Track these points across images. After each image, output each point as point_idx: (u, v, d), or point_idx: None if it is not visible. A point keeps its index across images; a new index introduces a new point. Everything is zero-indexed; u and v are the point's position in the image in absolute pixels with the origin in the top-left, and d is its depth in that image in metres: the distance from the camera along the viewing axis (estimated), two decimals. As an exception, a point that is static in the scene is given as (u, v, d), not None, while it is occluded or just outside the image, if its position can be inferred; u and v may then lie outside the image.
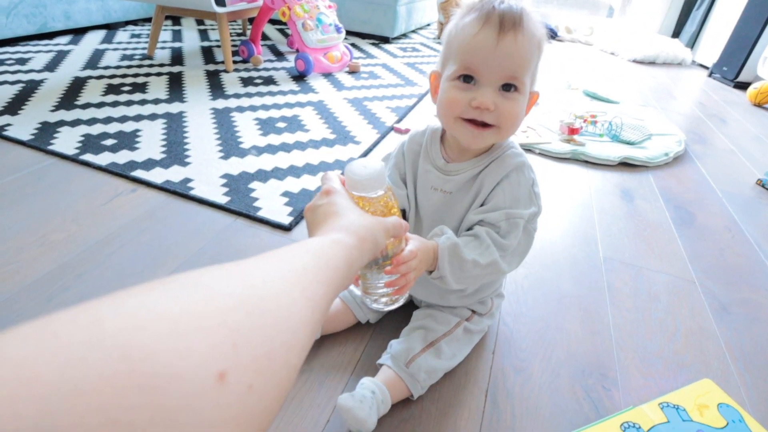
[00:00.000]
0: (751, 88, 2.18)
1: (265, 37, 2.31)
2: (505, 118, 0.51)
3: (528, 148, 1.35)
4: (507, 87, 0.51)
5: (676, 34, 3.21)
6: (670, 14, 3.18)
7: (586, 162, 1.33)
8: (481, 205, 0.58)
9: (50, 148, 1.08)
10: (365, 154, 1.20)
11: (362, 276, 0.51)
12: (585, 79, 2.18)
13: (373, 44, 2.40)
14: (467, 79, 0.51)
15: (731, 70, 2.45)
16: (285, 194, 0.97)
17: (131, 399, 0.15)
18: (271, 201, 0.94)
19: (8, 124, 1.17)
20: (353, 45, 2.32)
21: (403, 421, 0.57)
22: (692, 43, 3.02)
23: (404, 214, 0.65)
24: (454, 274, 0.53)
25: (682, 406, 0.60)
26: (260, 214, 0.90)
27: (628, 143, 1.42)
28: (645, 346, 0.71)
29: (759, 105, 2.15)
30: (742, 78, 2.41)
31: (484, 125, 0.52)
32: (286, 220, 0.89)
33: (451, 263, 0.53)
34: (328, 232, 0.35)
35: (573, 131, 1.39)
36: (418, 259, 0.48)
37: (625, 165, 1.33)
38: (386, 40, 2.50)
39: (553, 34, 3.18)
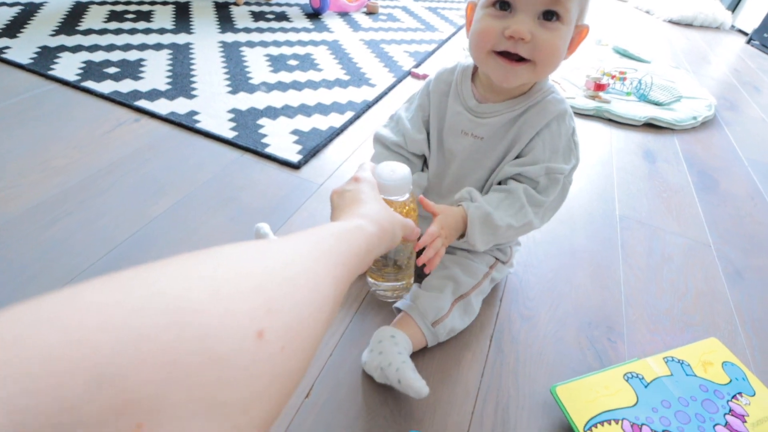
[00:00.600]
0: (790, 55, 2.04)
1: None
2: (543, 51, 0.46)
3: (549, 103, 1.28)
4: (548, 15, 0.45)
5: (717, -7, 2.99)
6: (714, -29, 2.94)
7: (610, 120, 1.26)
8: (517, 156, 0.54)
9: (50, 73, 1.03)
10: (380, 98, 1.15)
11: (374, 271, 0.53)
12: (616, 36, 2.05)
13: (391, -15, 2.25)
14: (503, 5, 0.46)
15: (772, 36, 2.29)
16: (295, 132, 0.94)
17: (186, 345, 0.17)
18: (279, 138, 0.91)
19: (7, 47, 1.12)
20: (370, -15, 2.18)
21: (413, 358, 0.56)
22: (734, 6, 2.81)
23: (425, 161, 0.63)
24: (484, 241, 0.52)
25: (686, 362, 0.59)
26: (268, 150, 0.87)
27: (656, 104, 1.35)
28: (654, 304, 0.70)
29: (797, 74, 2.03)
30: (782, 45, 2.26)
31: (519, 59, 0.47)
32: (295, 158, 0.86)
33: (482, 232, 0.51)
34: (352, 218, 0.36)
35: (599, 87, 1.32)
36: (442, 237, 0.48)
37: (650, 126, 1.27)
38: (406, -19, 2.34)
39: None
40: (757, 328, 0.69)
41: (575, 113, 1.27)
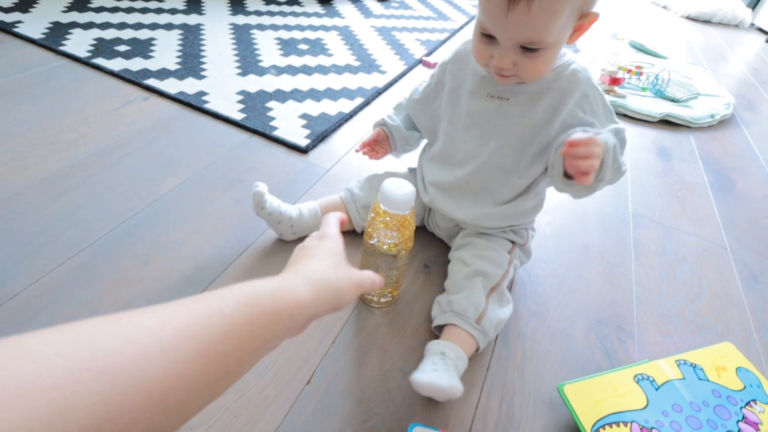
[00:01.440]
0: (814, 57, 1.98)
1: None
2: (527, 73, 0.50)
3: (564, 97, 1.26)
4: (528, 46, 0.47)
5: (739, -9, 2.91)
6: (737, -32, 2.86)
7: (625, 116, 1.23)
8: (562, 128, 0.53)
9: (62, 48, 1.02)
10: (390, 85, 1.12)
11: (361, 265, 0.55)
12: (633, 30, 2.00)
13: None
14: (488, 35, 0.48)
15: (795, 36, 2.23)
16: (303, 116, 0.92)
17: None
18: (288, 121, 0.90)
19: (19, 21, 1.11)
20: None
21: (410, 348, 0.55)
22: (754, 4, 2.74)
23: (436, 131, 0.63)
24: (614, 174, 0.51)
25: (699, 365, 0.57)
26: (276, 133, 0.86)
27: (673, 100, 1.31)
28: (666, 305, 0.68)
29: (819, 77, 1.97)
30: (805, 46, 2.19)
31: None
32: (303, 143, 0.84)
33: (614, 163, 0.49)
34: (290, 276, 0.33)
35: (615, 81, 1.29)
36: (599, 146, 0.46)
37: (666, 123, 1.24)
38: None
39: (603, -19, 2.91)
40: (772, 334, 0.67)
41: (590, 108, 1.25)
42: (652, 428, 0.49)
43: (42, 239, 0.61)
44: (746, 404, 0.54)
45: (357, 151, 0.67)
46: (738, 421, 0.52)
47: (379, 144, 0.67)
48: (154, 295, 0.56)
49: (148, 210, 0.68)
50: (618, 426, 0.49)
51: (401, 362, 0.54)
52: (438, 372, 0.46)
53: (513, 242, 0.62)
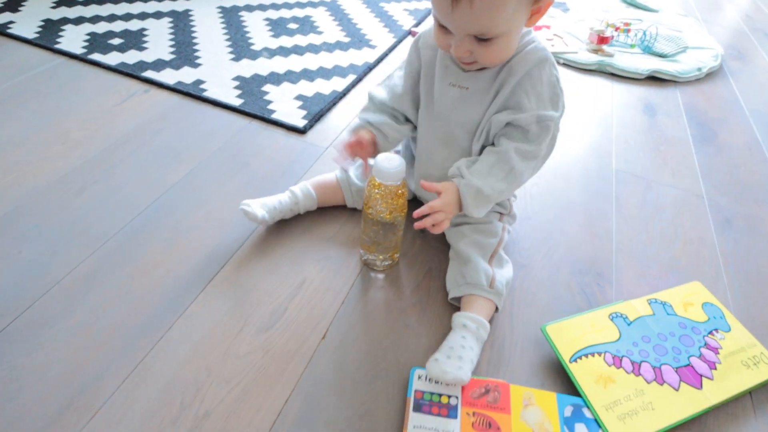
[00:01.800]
0: (807, -3, 1.96)
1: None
2: (486, 59, 0.53)
3: (551, 58, 1.28)
4: (480, 38, 0.50)
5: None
6: None
7: (613, 74, 1.26)
8: (504, 107, 0.57)
9: (57, 47, 1.05)
10: (381, 59, 1.15)
11: (366, 243, 0.61)
12: (622, -17, 1.97)
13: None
14: (443, 26, 0.51)
15: (790, -25, 2.18)
16: (299, 98, 0.96)
17: None
18: (285, 104, 0.94)
19: (11, 21, 1.13)
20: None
21: (411, 305, 0.62)
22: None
23: (416, 114, 0.66)
24: (480, 210, 0.57)
25: (669, 303, 0.64)
26: (275, 116, 0.90)
27: (661, 55, 1.33)
28: (643, 251, 0.74)
29: (812, 17, 1.95)
30: (800, -15, 2.15)
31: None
32: (301, 123, 0.89)
33: (477, 204, 0.56)
34: None
35: (603, 40, 1.30)
36: (445, 211, 0.55)
37: (654, 79, 1.26)
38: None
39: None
40: (739, 272, 0.73)
41: (577, 68, 1.27)
42: (622, 356, 0.57)
43: (74, 230, 0.67)
44: (709, 333, 0.61)
45: (335, 159, 0.64)
46: (700, 347, 0.59)
47: (362, 147, 0.62)
48: (183, 272, 0.63)
49: (162, 199, 0.74)
50: (593, 356, 0.57)
51: (405, 316, 0.61)
52: (451, 360, 0.51)
53: (500, 213, 0.68)
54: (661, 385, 0.54)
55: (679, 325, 0.62)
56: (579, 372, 0.55)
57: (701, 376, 0.56)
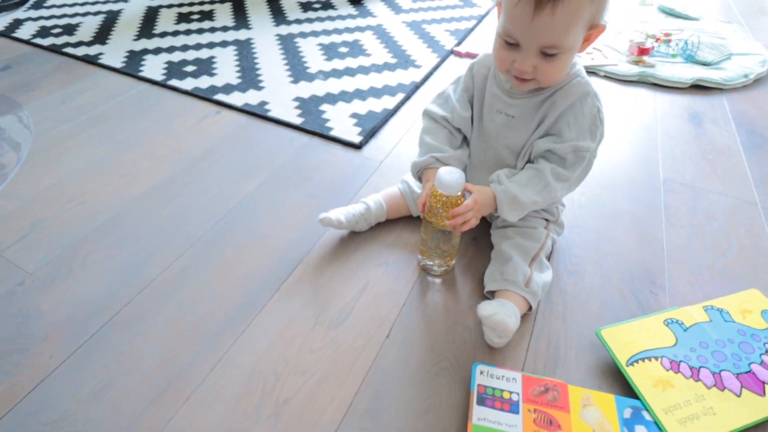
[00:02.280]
0: None
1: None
2: (545, 77, 0.56)
3: (592, 71, 1.30)
4: (548, 51, 0.53)
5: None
6: None
7: (655, 85, 1.27)
8: (546, 134, 0.61)
9: (141, 74, 1.19)
10: (426, 78, 1.22)
11: (426, 249, 0.66)
12: (663, -6, 1.97)
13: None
14: (510, 42, 0.55)
15: None
16: (353, 116, 1.04)
17: None
18: (341, 122, 1.02)
19: (101, 53, 1.29)
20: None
21: (468, 307, 0.67)
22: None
23: (465, 138, 0.72)
24: (514, 215, 0.61)
25: (726, 310, 0.64)
26: (333, 133, 0.98)
27: (705, 64, 1.33)
28: (695, 259, 0.75)
29: None
30: None
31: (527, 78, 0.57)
32: (357, 139, 0.96)
33: (511, 209, 0.61)
34: None
35: (643, 51, 1.31)
36: (474, 210, 0.60)
37: (698, 88, 1.26)
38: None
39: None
40: (798, 279, 0.73)
41: (618, 80, 1.29)
42: (680, 361, 0.58)
43: (163, 236, 0.76)
44: (768, 339, 0.61)
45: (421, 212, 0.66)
46: (761, 354, 0.59)
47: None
48: (259, 273, 0.70)
49: (239, 207, 0.82)
50: (650, 360, 0.58)
51: (462, 317, 0.65)
52: (503, 307, 0.57)
53: (546, 219, 0.71)
54: (722, 390, 0.55)
55: (738, 332, 0.62)
56: (636, 375, 0.56)
57: (763, 383, 0.56)
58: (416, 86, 1.17)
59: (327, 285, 0.69)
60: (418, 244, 0.72)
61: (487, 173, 0.68)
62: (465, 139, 0.72)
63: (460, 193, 0.62)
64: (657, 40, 1.40)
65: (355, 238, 0.77)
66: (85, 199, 0.84)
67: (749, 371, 0.57)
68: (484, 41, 1.45)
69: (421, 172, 0.70)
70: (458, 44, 1.41)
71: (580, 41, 0.55)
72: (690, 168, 0.96)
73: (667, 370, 0.57)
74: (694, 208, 0.85)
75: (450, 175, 0.61)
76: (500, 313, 0.56)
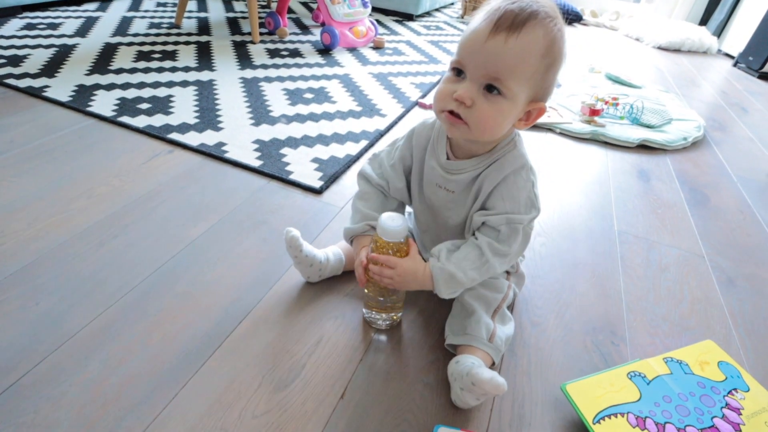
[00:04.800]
0: (774, 78, 2.15)
1: (289, 11, 2.32)
2: (477, 118, 0.51)
3: (549, 128, 1.37)
4: (490, 88, 0.50)
5: (703, 21, 3.14)
6: (699, 1, 3.10)
7: (606, 143, 1.35)
8: (483, 207, 0.60)
9: (89, 109, 1.13)
10: (391, 126, 1.23)
11: (366, 294, 0.63)
12: (608, 63, 2.17)
13: (396, 21, 2.40)
14: (458, 72, 0.53)
15: (757, 60, 2.41)
16: (315, 160, 1.02)
17: None
18: (301, 166, 0.99)
19: (47, 86, 1.22)
20: (377, 21, 2.33)
21: (429, 363, 0.62)
22: (719, 32, 2.95)
23: (403, 206, 0.71)
24: (449, 292, 0.60)
25: (684, 361, 0.65)
26: (292, 177, 0.95)
27: (648, 126, 1.44)
28: (653, 310, 0.76)
29: (781, 95, 2.13)
30: (767, 68, 2.37)
31: (460, 117, 0.52)
32: (317, 184, 0.94)
33: (447, 286, 0.59)
34: None
35: (594, 112, 1.41)
36: (394, 278, 0.58)
37: (644, 147, 1.35)
38: (410, 17, 2.49)
39: (578, 18, 3.13)
40: (749, 331, 0.74)
41: (573, 137, 1.36)
42: (645, 417, 0.56)
43: (91, 284, 0.68)
44: (728, 392, 0.61)
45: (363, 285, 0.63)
46: (722, 408, 0.59)
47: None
48: (200, 328, 0.63)
49: (183, 253, 0.75)
50: (616, 417, 0.56)
51: (423, 374, 0.60)
52: (483, 368, 0.53)
53: (507, 272, 0.70)
54: (688, 447, 0.53)
55: (698, 384, 0.61)
56: (604, 434, 0.54)
57: (727, 438, 0.55)
58: (380, 134, 1.18)
59: (277, 339, 0.63)
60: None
61: (437, 238, 0.67)
62: (401, 204, 0.71)
63: (403, 240, 0.59)
64: (606, 103, 1.51)
65: (311, 287, 0.72)
66: (5, 240, 0.74)
67: (712, 426, 0.56)
68: (425, 118, 1.51)
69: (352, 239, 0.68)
70: (423, 96, 1.46)
71: (522, 101, 0.52)
72: (642, 221, 0.99)
73: (634, 427, 0.55)
74: (648, 260, 0.87)
75: (392, 221, 0.58)
76: (496, 375, 0.51)
